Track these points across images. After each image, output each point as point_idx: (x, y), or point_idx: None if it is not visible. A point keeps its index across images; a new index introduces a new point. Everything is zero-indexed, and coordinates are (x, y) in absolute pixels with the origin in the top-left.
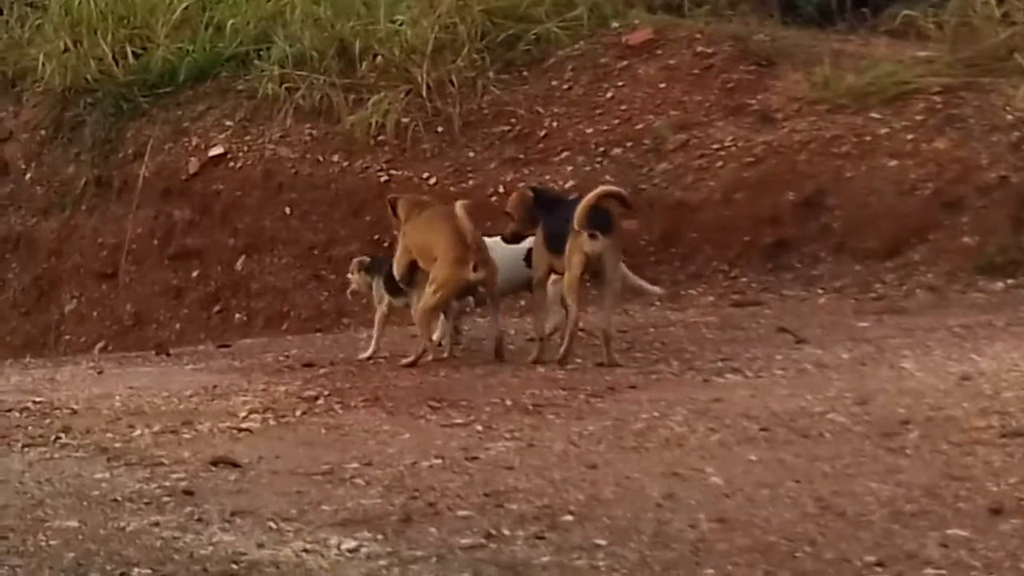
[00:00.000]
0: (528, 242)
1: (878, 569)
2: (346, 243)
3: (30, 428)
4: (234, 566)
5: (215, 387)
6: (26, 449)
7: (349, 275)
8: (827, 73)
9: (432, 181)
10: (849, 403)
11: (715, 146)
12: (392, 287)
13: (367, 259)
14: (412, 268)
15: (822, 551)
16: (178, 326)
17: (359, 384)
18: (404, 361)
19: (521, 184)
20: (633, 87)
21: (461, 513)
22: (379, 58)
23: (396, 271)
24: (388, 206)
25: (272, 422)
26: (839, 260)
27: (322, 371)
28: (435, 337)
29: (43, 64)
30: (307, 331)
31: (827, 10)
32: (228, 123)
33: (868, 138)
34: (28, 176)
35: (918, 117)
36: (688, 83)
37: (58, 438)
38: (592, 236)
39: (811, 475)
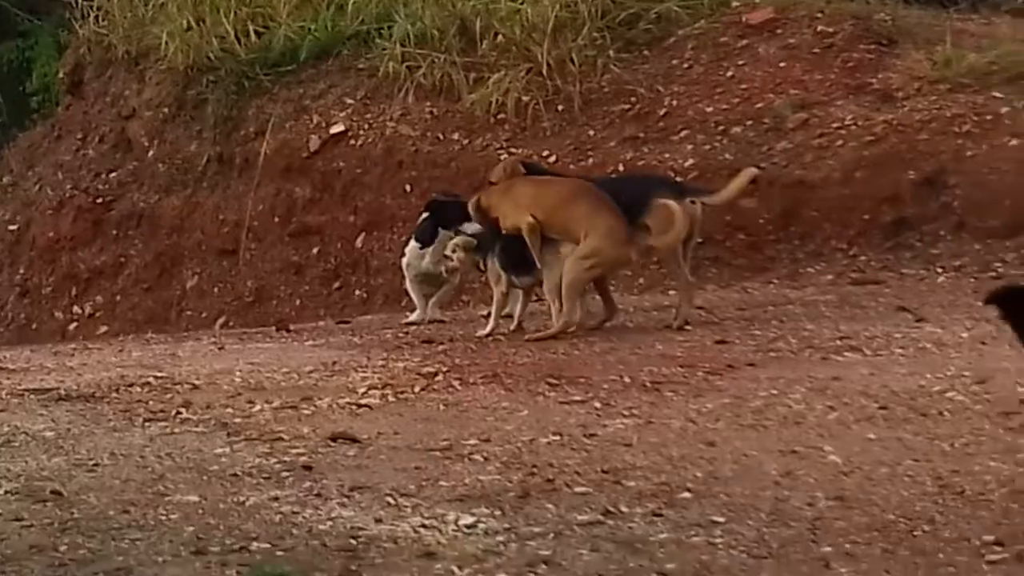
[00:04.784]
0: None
1: (997, 548)
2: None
3: (151, 403)
4: (352, 541)
5: (334, 363)
6: (147, 424)
7: (450, 253)
8: (948, 52)
9: (552, 159)
10: (968, 382)
11: (835, 125)
12: (515, 266)
13: (473, 239)
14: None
15: (940, 530)
16: (298, 302)
17: (478, 361)
18: (536, 335)
19: (641, 163)
20: (753, 66)
21: (579, 489)
22: (500, 36)
23: (532, 241)
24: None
25: (391, 398)
26: (959, 239)
27: (441, 348)
28: (515, 313)
29: (166, 42)
30: None
31: None
32: (349, 101)
33: (989, 117)
34: (151, 153)
35: None
36: (808, 62)
37: (179, 413)
38: (693, 203)
39: (930, 454)
